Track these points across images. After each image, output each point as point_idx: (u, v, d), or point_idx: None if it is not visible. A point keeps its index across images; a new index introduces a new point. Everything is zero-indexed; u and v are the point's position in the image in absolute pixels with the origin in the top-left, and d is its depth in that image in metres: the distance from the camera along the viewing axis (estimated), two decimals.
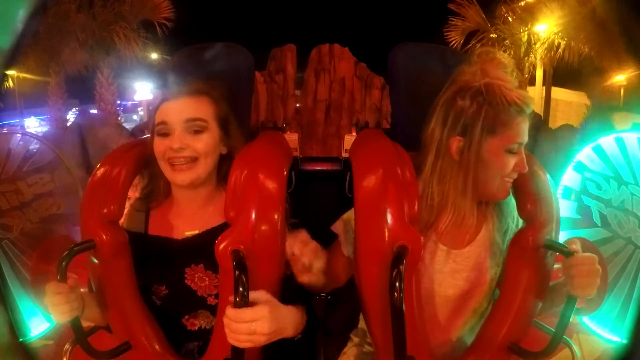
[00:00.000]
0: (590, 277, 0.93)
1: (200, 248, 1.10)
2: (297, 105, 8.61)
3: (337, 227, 1.17)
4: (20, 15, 0.65)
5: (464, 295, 1.11)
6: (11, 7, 0.64)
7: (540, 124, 6.46)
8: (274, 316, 0.89)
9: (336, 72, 8.41)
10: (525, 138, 1.03)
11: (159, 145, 1.09)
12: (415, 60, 1.25)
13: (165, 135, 1.09)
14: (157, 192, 1.18)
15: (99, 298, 1.10)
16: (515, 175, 1.05)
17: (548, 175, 1.11)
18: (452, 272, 1.10)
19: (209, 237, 1.07)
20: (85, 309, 1.04)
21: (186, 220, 1.15)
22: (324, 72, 8.37)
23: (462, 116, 1.02)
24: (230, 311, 0.85)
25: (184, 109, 1.10)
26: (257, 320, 0.86)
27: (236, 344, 0.87)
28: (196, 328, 1.14)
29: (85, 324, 1.12)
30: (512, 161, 1.02)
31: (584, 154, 2.82)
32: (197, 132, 1.09)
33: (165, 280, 1.13)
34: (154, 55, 9.21)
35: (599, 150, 2.76)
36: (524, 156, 1.03)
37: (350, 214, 1.14)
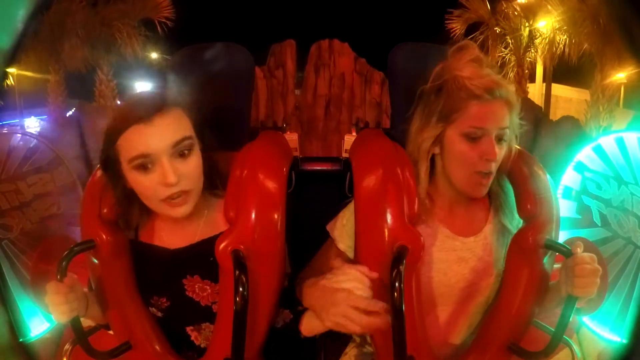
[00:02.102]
0: (590, 277, 0.93)
1: (194, 259, 1.06)
2: (296, 104, 8.58)
3: (331, 224, 1.17)
4: (21, 15, 0.65)
5: (470, 287, 1.10)
6: (11, 7, 0.64)
7: (540, 116, 6.44)
8: None
9: (336, 67, 8.38)
10: (490, 124, 1.01)
11: (143, 183, 0.93)
12: (415, 60, 1.25)
13: (146, 169, 0.93)
14: (132, 219, 1.06)
15: (99, 298, 1.10)
16: (488, 167, 1.02)
17: (548, 175, 1.11)
18: (458, 260, 1.10)
19: (202, 249, 1.04)
20: (89, 308, 1.03)
21: (176, 233, 1.07)
22: (324, 68, 8.35)
23: (429, 110, 1.06)
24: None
25: (165, 131, 0.92)
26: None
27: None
28: (197, 343, 1.11)
29: (88, 323, 1.12)
30: (473, 149, 1.02)
31: (584, 153, 2.82)
32: (185, 154, 0.95)
33: (165, 292, 1.08)
34: (154, 55, 9.21)
35: (599, 150, 2.76)
36: (494, 143, 1.01)
37: (345, 212, 1.14)
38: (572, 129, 5.53)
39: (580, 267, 0.94)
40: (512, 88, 1.04)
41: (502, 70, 8.19)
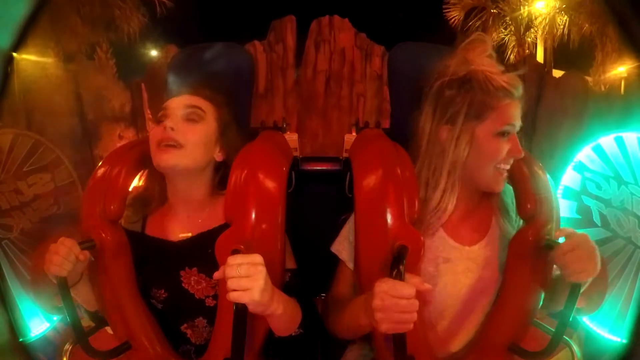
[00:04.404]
0: (588, 260, 0.91)
1: (194, 251, 1.10)
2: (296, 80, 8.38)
3: (337, 245, 1.14)
4: (21, 14, 0.65)
5: (476, 294, 1.10)
6: (11, 7, 0.64)
7: (543, 74, 6.36)
8: (266, 271, 0.88)
9: (336, 43, 8.28)
10: (516, 121, 1.03)
11: (155, 130, 1.11)
12: (415, 60, 1.25)
13: (163, 120, 1.10)
14: (152, 196, 1.16)
15: (99, 298, 1.10)
16: (509, 162, 1.05)
17: (548, 175, 1.11)
18: (465, 270, 1.09)
19: (203, 241, 1.08)
20: (79, 286, 1.05)
21: (181, 223, 1.14)
22: (324, 44, 8.23)
23: (450, 106, 1.04)
24: (229, 258, 0.86)
25: (183, 99, 1.13)
26: (253, 263, 0.86)
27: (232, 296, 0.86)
28: (193, 341, 1.14)
29: (88, 323, 1.13)
30: (504, 146, 1.03)
31: (584, 153, 2.82)
32: (193, 120, 1.10)
33: (163, 283, 1.12)
34: (154, 53, 9.15)
35: (598, 150, 2.76)
36: (518, 141, 1.03)
37: (345, 230, 1.13)
38: (577, 84, 5.47)
39: (573, 253, 0.92)
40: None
41: (503, 52, 8.11)
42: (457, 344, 1.13)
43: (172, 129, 1.07)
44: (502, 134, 1.03)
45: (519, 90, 1.03)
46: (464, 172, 1.06)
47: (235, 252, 0.93)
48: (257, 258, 0.87)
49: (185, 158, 1.08)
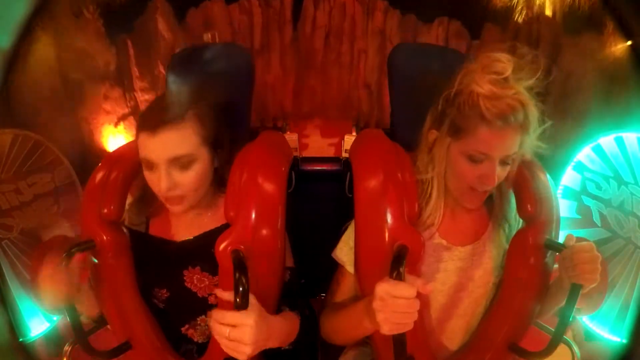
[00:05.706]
0: (591, 264, 0.93)
1: (197, 251, 1.10)
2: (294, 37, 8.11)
3: (338, 252, 1.13)
4: (20, 14, 0.65)
5: (469, 295, 1.10)
6: (11, 7, 0.64)
7: (558, 33, 6.24)
8: (259, 326, 0.83)
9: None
10: (495, 152, 0.96)
11: (149, 179, 1.03)
12: (415, 60, 1.25)
13: (150, 169, 1.01)
14: (154, 197, 1.12)
15: (99, 297, 1.10)
16: (484, 188, 1.01)
17: (548, 176, 1.11)
18: (456, 270, 1.10)
19: (205, 240, 1.08)
20: (79, 297, 1.03)
21: (184, 224, 1.14)
22: (324, 0, 8.13)
23: (441, 115, 1.02)
24: (215, 312, 0.83)
25: (165, 145, 0.98)
26: (242, 326, 0.81)
27: (223, 349, 0.83)
28: (195, 340, 1.15)
29: (85, 322, 1.13)
30: (473, 170, 0.99)
31: (584, 153, 2.82)
32: (185, 167, 1.01)
33: (165, 283, 1.12)
34: (142, 7, 9.07)
35: (598, 150, 2.76)
36: (497, 170, 0.97)
37: (346, 236, 1.12)
38: (596, 45, 5.35)
39: (579, 255, 0.94)
40: (533, 110, 0.95)
41: (511, 17, 8.00)
42: (452, 342, 1.14)
43: (170, 188, 1.00)
44: (471, 158, 0.98)
45: (508, 120, 0.93)
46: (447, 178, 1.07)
47: (235, 252, 0.93)
48: (247, 319, 0.81)
49: (192, 200, 1.05)
